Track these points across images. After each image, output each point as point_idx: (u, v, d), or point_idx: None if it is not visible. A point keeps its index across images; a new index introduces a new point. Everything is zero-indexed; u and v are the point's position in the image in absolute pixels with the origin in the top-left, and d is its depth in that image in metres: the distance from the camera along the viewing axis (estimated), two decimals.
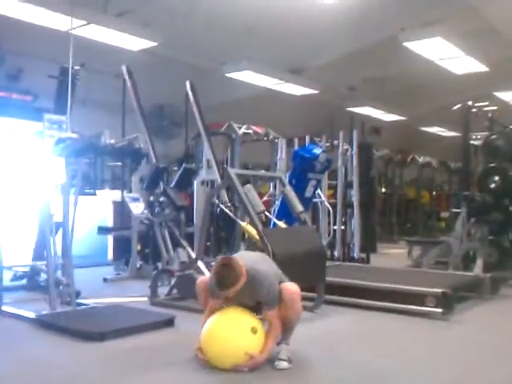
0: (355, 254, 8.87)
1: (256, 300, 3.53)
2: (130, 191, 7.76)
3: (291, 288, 3.54)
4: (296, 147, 9.36)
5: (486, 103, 9.51)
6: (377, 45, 10.16)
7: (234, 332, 3.49)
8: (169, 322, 4.55)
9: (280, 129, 10.73)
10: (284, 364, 3.50)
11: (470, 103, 8.52)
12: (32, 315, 4.59)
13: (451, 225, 7.76)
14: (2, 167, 5.67)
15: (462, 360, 3.84)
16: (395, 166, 15.74)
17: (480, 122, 8.95)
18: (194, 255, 5.91)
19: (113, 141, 5.50)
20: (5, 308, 4.93)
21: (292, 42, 9.81)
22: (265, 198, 8.41)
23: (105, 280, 6.92)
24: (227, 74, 10.85)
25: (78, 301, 5.09)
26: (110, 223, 8.71)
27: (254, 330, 3.46)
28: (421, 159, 15.97)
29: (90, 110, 9.21)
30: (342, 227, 9.03)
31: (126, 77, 7.57)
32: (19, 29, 7.70)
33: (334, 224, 8.96)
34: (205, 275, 4.46)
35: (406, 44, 9.23)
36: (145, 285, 5.82)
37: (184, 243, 6.63)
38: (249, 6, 8.39)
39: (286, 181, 6.43)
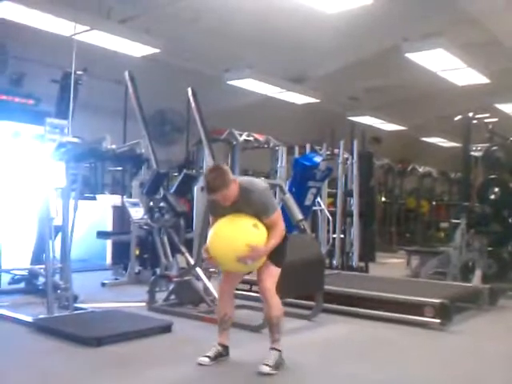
0: (354, 263, 8.87)
1: (252, 209, 3.54)
2: (130, 196, 7.76)
3: (264, 285, 3.59)
4: (296, 155, 9.38)
5: (487, 115, 9.53)
6: (378, 55, 10.19)
7: (236, 227, 3.54)
8: (166, 328, 4.54)
9: (281, 137, 10.76)
10: (266, 369, 3.49)
11: (470, 114, 8.54)
12: (29, 319, 4.58)
13: (450, 235, 7.74)
14: (3, 170, 5.69)
15: (460, 370, 3.84)
16: (395, 175, 15.75)
17: (480, 134, 8.96)
18: (192, 261, 5.90)
19: (114, 146, 5.52)
20: (2, 311, 4.93)
21: (294, 52, 9.84)
22: None
23: (103, 285, 6.91)
24: (229, 82, 10.88)
25: (76, 305, 5.08)
26: (109, 228, 8.71)
27: (255, 226, 3.51)
28: (421, 169, 15.99)
29: (91, 115, 9.23)
30: (342, 236, 9.03)
31: (128, 82, 7.58)
32: (23, 33, 7.73)
33: (334, 232, 8.97)
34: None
35: (407, 55, 9.27)
36: (143, 290, 5.81)
37: (183, 249, 6.62)
38: (251, 15, 8.43)
39: (286, 188, 6.44)
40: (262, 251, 3.50)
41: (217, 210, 3.64)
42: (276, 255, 3.61)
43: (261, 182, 3.73)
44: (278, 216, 3.60)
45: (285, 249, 3.72)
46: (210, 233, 3.62)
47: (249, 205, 3.55)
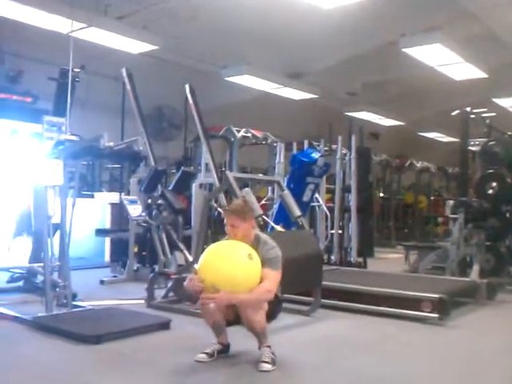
0: (352, 259, 8.88)
1: (260, 254, 3.54)
2: (128, 193, 7.76)
3: (248, 317, 3.49)
4: (294, 151, 9.38)
5: (485, 109, 9.53)
6: (376, 50, 10.18)
7: (230, 254, 3.50)
8: (165, 325, 4.55)
9: (278, 133, 10.76)
10: (267, 366, 3.49)
11: (468, 109, 8.54)
12: (28, 317, 4.58)
13: (448, 230, 7.76)
14: (1, 168, 5.68)
15: (458, 365, 3.85)
16: (393, 170, 15.76)
17: (478, 128, 8.97)
18: (191, 258, 5.91)
19: (111, 143, 5.51)
20: (1, 310, 4.93)
21: (292, 47, 9.83)
22: (263, 202, 8.41)
23: (101, 282, 6.91)
24: (227, 78, 10.87)
25: (75, 303, 5.08)
26: (107, 225, 8.71)
27: (250, 257, 3.46)
28: (419, 164, 16.00)
29: (89, 113, 9.22)
30: (340, 231, 9.04)
31: (126, 79, 7.58)
32: (20, 31, 7.73)
33: (332, 228, 8.98)
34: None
35: (405, 50, 9.26)
36: (141, 287, 5.81)
37: (181, 246, 6.64)
38: (249, 11, 8.41)
39: (284, 185, 6.45)
40: (226, 299, 3.41)
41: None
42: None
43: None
44: (275, 277, 3.53)
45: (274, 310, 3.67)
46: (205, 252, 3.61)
47: (259, 252, 3.55)
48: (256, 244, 3.62)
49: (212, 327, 3.73)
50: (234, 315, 3.62)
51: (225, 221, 3.73)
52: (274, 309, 3.68)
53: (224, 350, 3.77)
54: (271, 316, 3.65)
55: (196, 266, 3.63)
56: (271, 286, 3.50)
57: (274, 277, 3.52)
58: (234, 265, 3.45)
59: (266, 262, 3.53)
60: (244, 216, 3.60)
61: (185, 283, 3.65)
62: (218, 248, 3.62)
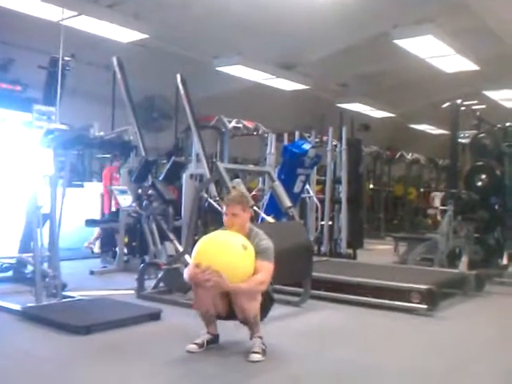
0: (342, 250, 8.92)
1: (254, 245, 3.59)
2: (118, 184, 7.74)
3: (258, 278, 3.52)
4: (285, 142, 9.38)
5: (475, 102, 9.56)
6: (368, 42, 10.16)
7: (224, 242, 3.57)
8: (155, 316, 4.55)
9: (270, 124, 10.74)
10: (257, 356, 3.53)
11: (458, 101, 8.56)
12: (18, 307, 4.57)
13: (437, 222, 7.81)
14: None
15: (446, 356, 3.89)
16: (383, 162, 15.81)
17: (468, 121, 9.00)
18: (181, 249, 5.91)
19: (102, 133, 5.49)
20: None
21: (284, 38, 9.79)
22: (253, 193, 8.42)
23: (91, 273, 6.90)
24: (218, 68, 10.82)
25: (64, 293, 5.07)
26: (97, 216, 8.68)
27: (244, 247, 3.52)
28: (409, 156, 16.06)
29: (79, 102, 9.14)
30: (330, 223, 9.08)
31: (117, 68, 7.52)
32: (9, 18, 7.62)
33: (322, 219, 9.00)
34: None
35: (397, 41, 9.26)
36: (132, 278, 5.82)
37: (171, 237, 6.63)
38: (241, 1, 8.37)
39: (275, 176, 6.45)
40: (224, 285, 3.44)
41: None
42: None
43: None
44: (268, 269, 3.57)
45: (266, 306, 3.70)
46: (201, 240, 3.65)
47: (252, 243, 3.60)
48: (249, 235, 3.68)
49: (203, 316, 3.75)
50: (226, 310, 3.65)
51: (223, 210, 3.76)
52: (266, 305, 3.71)
53: (214, 340, 3.79)
54: (262, 312, 3.67)
55: (191, 257, 3.65)
56: (264, 278, 3.55)
57: (267, 268, 3.57)
58: (229, 254, 3.50)
59: (259, 254, 3.58)
60: (245, 206, 3.72)
61: (185, 276, 3.65)
62: (214, 238, 3.65)
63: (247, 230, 3.71)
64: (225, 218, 3.72)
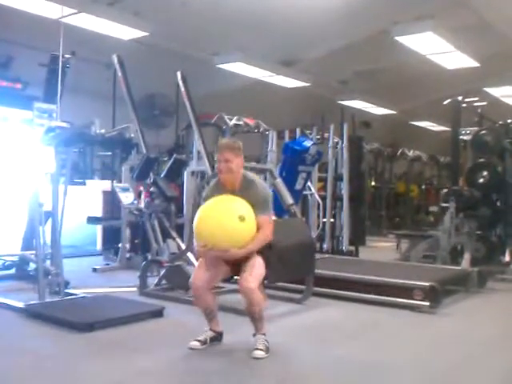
0: (344, 247, 8.91)
1: (251, 199, 3.56)
2: (120, 181, 7.73)
3: (247, 286, 3.46)
4: (287, 139, 9.37)
5: (476, 98, 9.55)
6: (369, 38, 10.15)
7: (221, 215, 3.50)
8: (158, 313, 4.55)
9: (271, 121, 10.73)
10: (261, 353, 3.52)
11: (460, 98, 8.55)
12: (20, 305, 4.57)
13: (439, 219, 7.80)
14: None
15: (449, 353, 3.88)
16: (385, 159, 15.80)
17: (470, 117, 8.99)
18: (183, 246, 5.91)
19: (103, 130, 5.49)
20: None
21: (284, 35, 9.78)
22: None
23: (94, 270, 6.90)
24: (219, 65, 10.81)
25: (67, 291, 5.08)
26: (99, 213, 8.68)
27: (242, 219, 3.47)
28: (410, 153, 16.04)
29: (80, 99, 9.15)
30: (332, 220, 9.07)
31: (117, 66, 7.51)
32: (10, 16, 7.62)
33: (324, 217, 8.99)
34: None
35: (397, 38, 9.24)
36: (134, 275, 5.81)
37: (174, 234, 6.63)
38: None
39: (277, 173, 6.44)
40: (233, 255, 3.47)
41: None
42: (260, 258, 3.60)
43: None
44: (268, 223, 3.59)
45: (269, 259, 3.69)
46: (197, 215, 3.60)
47: (248, 195, 3.57)
48: (242, 183, 3.66)
49: (204, 312, 3.74)
50: (229, 273, 3.71)
51: (215, 158, 3.79)
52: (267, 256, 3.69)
53: (217, 338, 3.78)
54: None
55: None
56: (267, 234, 3.59)
57: (266, 222, 3.59)
58: (228, 235, 3.46)
59: (256, 207, 3.56)
60: (237, 151, 3.70)
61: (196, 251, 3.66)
62: (208, 219, 3.53)
63: (241, 177, 3.69)
64: (218, 166, 3.69)
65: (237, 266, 3.61)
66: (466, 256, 6.86)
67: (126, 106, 7.46)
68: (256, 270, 3.55)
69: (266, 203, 3.63)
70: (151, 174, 7.07)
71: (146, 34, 8.60)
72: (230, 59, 10.57)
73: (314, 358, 3.64)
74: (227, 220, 3.47)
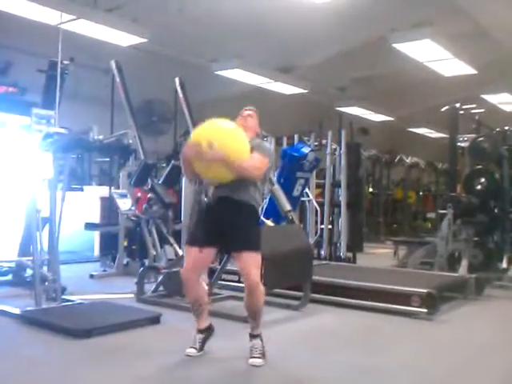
0: (342, 254, 8.91)
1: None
2: (118, 187, 7.73)
3: (252, 279, 3.47)
4: (285, 146, 9.38)
5: (474, 106, 9.58)
6: (366, 45, 10.18)
7: (233, 131, 3.60)
8: (155, 320, 4.54)
9: (269, 127, 10.72)
10: (258, 361, 3.51)
11: (457, 105, 8.58)
12: (17, 311, 4.56)
13: (437, 225, 7.81)
14: None
15: (446, 359, 3.88)
16: (383, 166, 15.82)
17: (467, 124, 9.01)
18: (181, 252, 5.90)
19: (101, 136, 5.48)
20: None
21: (282, 41, 9.80)
22: None
23: (91, 276, 6.89)
24: (217, 72, 10.83)
25: (64, 297, 5.06)
26: (97, 219, 8.67)
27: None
28: (408, 160, 16.07)
29: (78, 105, 9.15)
30: (329, 226, 9.06)
31: (115, 72, 7.53)
32: (8, 22, 7.63)
33: (322, 223, 8.99)
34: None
35: (395, 45, 9.27)
36: (131, 281, 5.80)
37: (171, 240, 6.63)
38: (239, 4, 8.38)
39: (275, 179, 6.45)
40: (219, 157, 3.42)
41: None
42: (253, 241, 3.56)
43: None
44: (263, 160, 3.60)
45: (260, 233, 3.67)
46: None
47: (252, 149, 3.61)
48: (252, 142, 3.67)
49: (192, 308, 3.72)
50: (214, 255, 3.80)
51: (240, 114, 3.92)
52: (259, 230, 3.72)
53: (208, 336, 3.73)
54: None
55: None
56: (260, 165, 3.59)
57: (262, 159, 3.60)
58: (228, 131, 3.56)
59: (255, 149, 3.60)
60: (256, 116, 3.96)
61: (184, 151, 3.68)
62: (213, 120, 3.63)
63: (254, 136, 3.80)
64: (239, 119, 3.84)
65: (223, 240, 3.61)
66: (464, 263, 6.87)
67: (124, 112, 7.47)
68: (255, 262, 3.52)
69: (264, 150, 3.67)
70: (149, 180, 7.08)
71: (144, 40, 8.61)
72: (228, 66, 10.58)
73: (312, 365, 3.63)
74: (240, 136, 3.57)
